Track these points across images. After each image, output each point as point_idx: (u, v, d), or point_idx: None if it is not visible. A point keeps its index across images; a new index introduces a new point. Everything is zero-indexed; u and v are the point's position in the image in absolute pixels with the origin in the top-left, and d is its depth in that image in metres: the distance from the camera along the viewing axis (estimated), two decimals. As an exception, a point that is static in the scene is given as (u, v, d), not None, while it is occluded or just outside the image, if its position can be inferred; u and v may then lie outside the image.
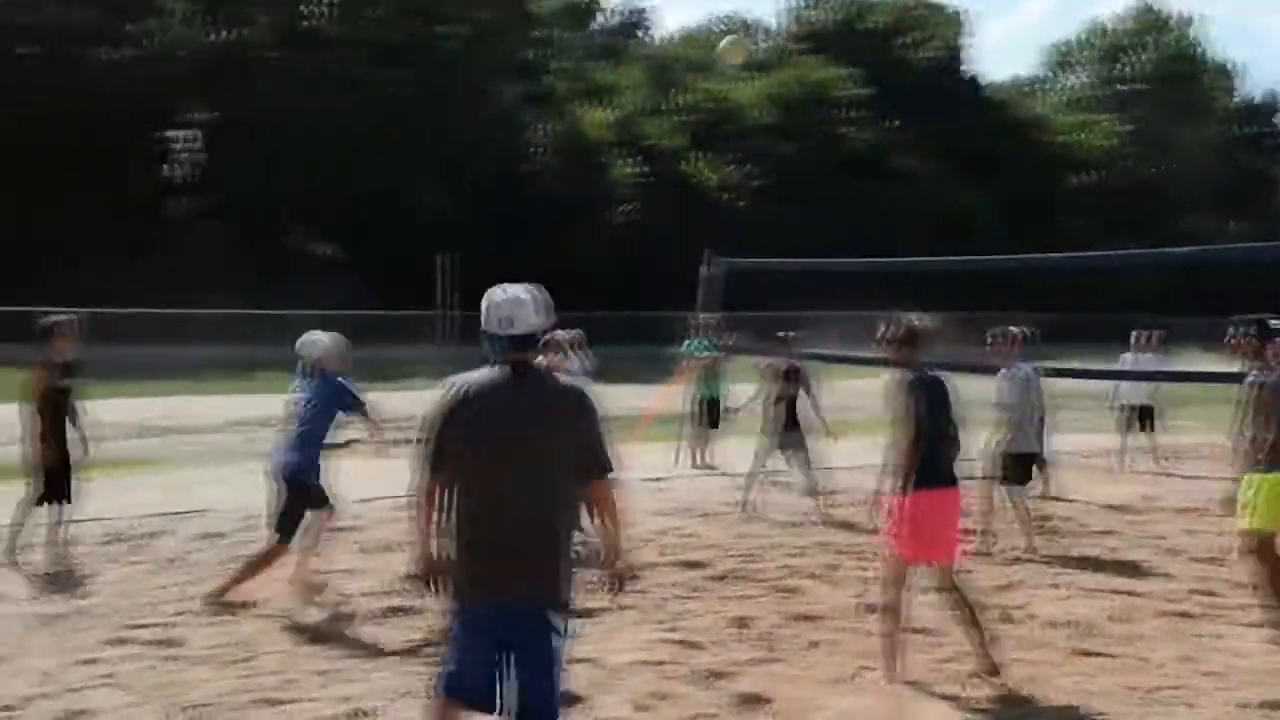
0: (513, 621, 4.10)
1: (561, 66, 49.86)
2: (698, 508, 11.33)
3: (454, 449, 4.19)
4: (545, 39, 49.82)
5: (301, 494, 7.59)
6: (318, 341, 7.85)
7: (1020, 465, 9.67)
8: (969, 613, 6.21)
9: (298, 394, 7.81)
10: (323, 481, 7.77)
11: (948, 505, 6.18)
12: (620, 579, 4.38)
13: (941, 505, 6.13)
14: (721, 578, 8.37)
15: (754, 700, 5.77)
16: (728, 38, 10.95)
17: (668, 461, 14.16)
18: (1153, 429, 14.64)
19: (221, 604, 7.38)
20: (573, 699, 5.65)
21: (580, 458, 4.16)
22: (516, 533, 4.10)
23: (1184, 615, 7.50)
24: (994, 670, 6.11)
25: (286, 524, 7.55)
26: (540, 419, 4.13)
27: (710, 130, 51.60)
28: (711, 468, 14.03)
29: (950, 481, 6.21)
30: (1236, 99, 77.74)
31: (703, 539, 9.80)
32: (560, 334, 10.46)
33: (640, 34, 66.20)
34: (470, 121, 41.94)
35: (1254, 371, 7.20)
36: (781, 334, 11.73)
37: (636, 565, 8.12)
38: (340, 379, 7.84)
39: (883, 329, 6.40)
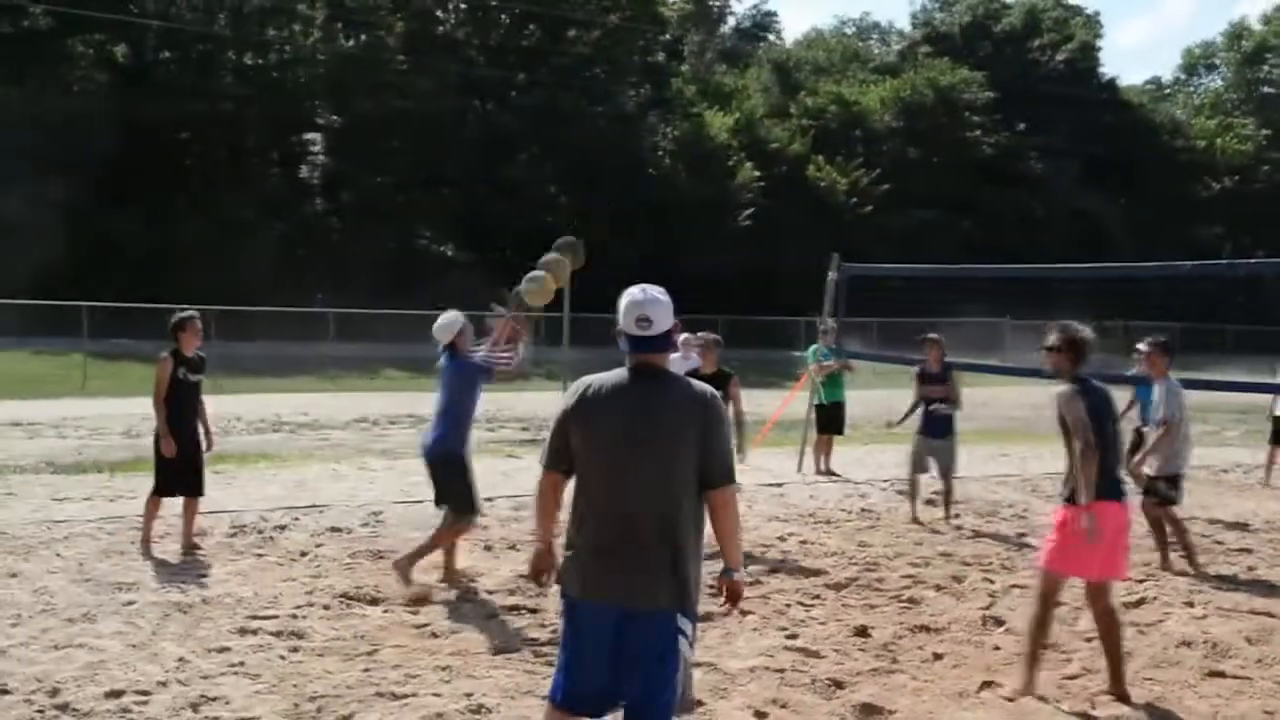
0: (625, 623, 4.10)
1: (686, 70, 49.96)
2: (819, 514, 11.23)
3: (576, 446, 4.21)
4: (673, 42, 49.96)
5: (457, 467, 7.79)
6: (447, 324, 8.01)
7: (1175, 483, 9.35)
8: (1115, 633, 6.05)
9: (441, 376, 8.00)
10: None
11: (1118, 518, 6.03)
12: (736, 591, 4.28)
13: (1113, 518, 5.99)
14: (843, 586, 8.26)
15: (874, 711, 5.69)
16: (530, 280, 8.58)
17: (789, 467, 14.06)
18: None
19: (405, 576, 7.67)
20: (690, 704, 5.63)
21: (702, 463, 4.10)
22: (633, 533, 4.08)
23: (1326, 639, 7.20)
24: (1125, 696, 5.95)
25: (461, 500, 7.80)
26: (664, 421, 4.10)
27: (835, 134, 51.27)
28: (833, 474, 13.89)
29: (1119, 495, 6.06)
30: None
31: (824, 546, 9.70)
32: (690, 337, 10.44)
33: (767, 36, 66.09)
34: (595, 124, 42.28)
35: None
36: (921, 336, 11.59)
37: (752, 575, 8.22)
38: (473, 358, 8.06)
39: (1048, 337, 6.24)
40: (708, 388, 4.30)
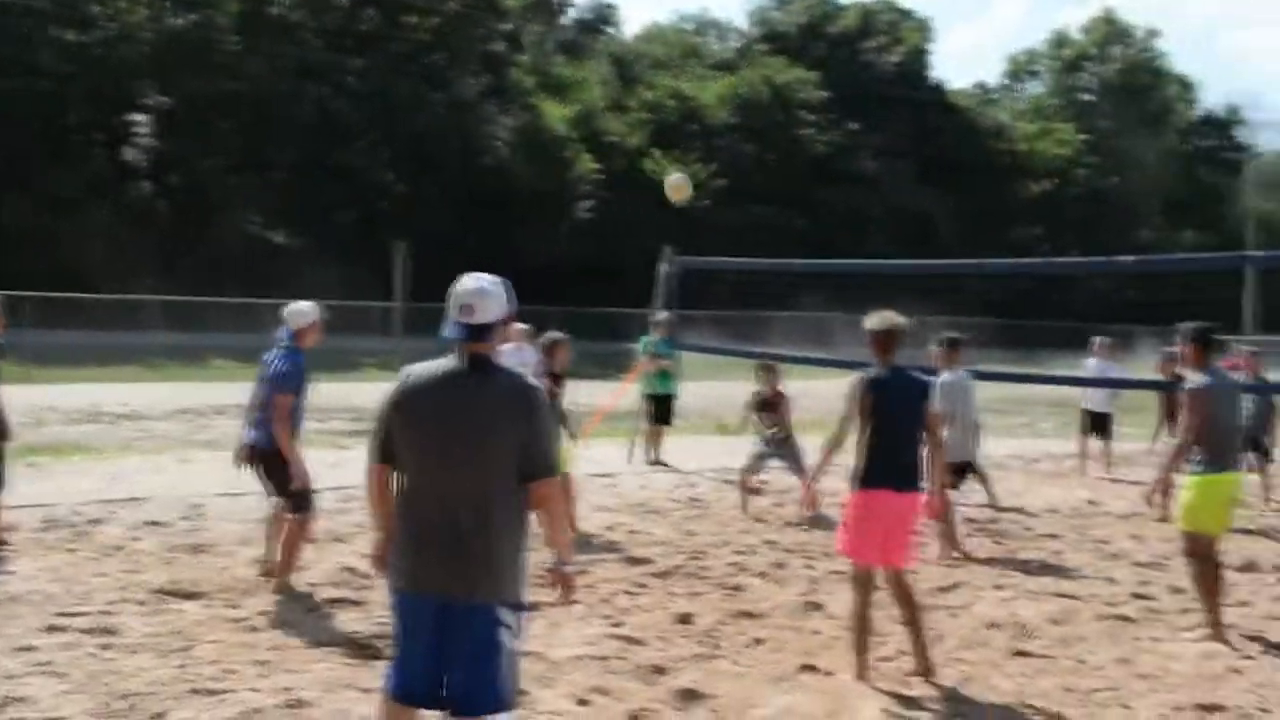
0: (453, 613, 4.10)
1: (526, 60, 49.75)
2: (648, 504, 11.34)
3: (400, 438, 4.18)
4: (512, 32, 49.68)
5: (280, 462, 7.38)
6: (302, 312, 7.56)
7: (951, 472, 9.71)
8: (911, 613, 6.25)
9: (269, 364, 7.49)
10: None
11: (892, 506, 6.16)
12: (565, 582, 4.32)
13: (885, 505, 6.14)
14: (668, 574, 8.38)
15: (694, 696, 5.79)
16: (675, 177, 11.64)
17: (620, 457, 14.16)
18: (1108, 436, 14.76)
19: (287, 589, 7.38)
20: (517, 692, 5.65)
21: (523, 456, 4.11)
22: (455, 525, 4.08)
23: (1123, 619, 7.58)
24: (929, 670, 6.18)
25: (295, 496, 7.41)
26: (486, 412, 4.10)
27: (673, 128, 51.65)
28: (663, 464, 14.05)
29: (901, 484, 6.16)
30: (1195, 112, 78.76)
31: (651, 535, 9.81)
32: (517, 327, 10.48)
33: (605, 30, 66.19)
34: (432, 112, 41.82)
35: (1187, 377, 7.42)
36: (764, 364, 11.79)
37: (579, 565, 8.26)
38: (299, 358, 7.47)
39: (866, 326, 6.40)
40: (531, 380, 4.31)
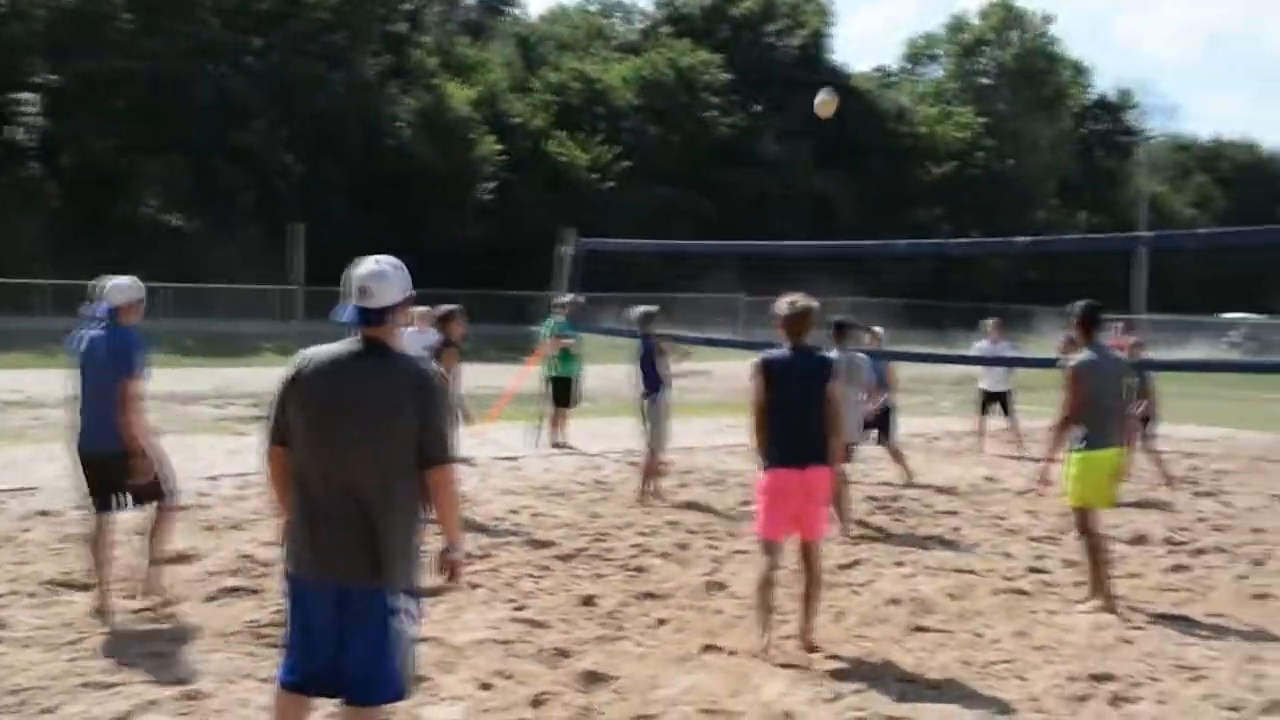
0: (346, 600, 4.05)
1: (428, 41, 49.17)
2: (552, 486, 11.32)
3: (295, 422, 4.11)
4: (414, 11, 49.07)
5: (121, 458, 6.56)
6: (124, 287, 6.77)
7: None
8: (813, 587, 6.39)
9: (84, 347, 6.74)
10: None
11: (790, 483, 6.25)
12: (453, 568, 4.26)
13: (785, 482, 6.25)
14: (572, 556, 8.37)
15: (597, 678, 5.79)
16: (824, 93, 11.97)
17: (524, 440, 14.12)
18: (1008, 413, 15.04)
19: (165, 602, 6.82)
20: (415, 679, 5.59)
21: (420, 441, 4.06)
22: (351, 510, 4.03)
23: (1019, 592, 7.74)
24: (811, 646, 6.32)
25: (155, 487, 6.76)
26: (378, 396, 4.05)
27: (577, 110, 51.49)
28: (567, 447, 14.03)
29: (797, 460, 6.24)
30: (1089, 96, 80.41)
31: (555, 518, 9.79)
32: (418, 309, 10.41)
33: (510, 10, 65.74)
34: (332, 92, 41.20)
35: (1071, 355, 7.65)
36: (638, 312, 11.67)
37: (483, 549, 8.24)
38: (134, 335, 6.69)
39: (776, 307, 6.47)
40: (429, 364, 4.28)
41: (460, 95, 46.29)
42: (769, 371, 6.29)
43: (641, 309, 11.25)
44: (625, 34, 66.29)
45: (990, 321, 15.39)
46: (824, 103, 12.60)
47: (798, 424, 6.26)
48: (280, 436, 4.17)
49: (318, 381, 4.09)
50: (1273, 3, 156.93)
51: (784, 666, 6.05)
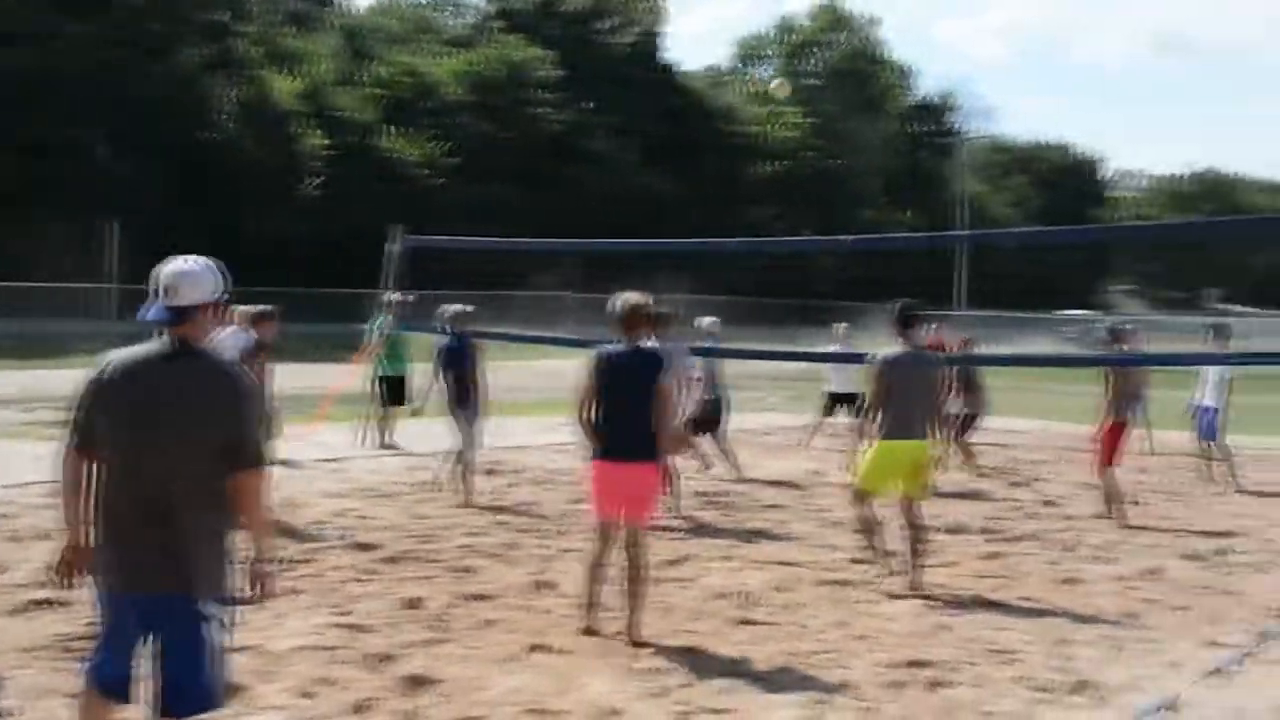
0: (154, 609, 3.92)
1: (251, 31, 47.86)
2: (377, 488, 11.12)
3: (100, 425, 3.94)
4: (236, 1, 47.72)
5: None
6: None
7: None
8: (638, 572, 6.45)
9: None
10: None
11: (632, 477, 6.38)
12: (264, 580, 4.14)
13: (625, 477, 6.38)
14: (397, 559, 8.22)
15: (421, 681, 5.68)
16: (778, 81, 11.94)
17: (349, 441, 13.85)
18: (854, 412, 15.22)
19: None
20: (232, 688, 5.41)
21: (228, 445, 3.94)
22: (158, 517, 3.89)
23: (842, 583, 7.88)
24: (636, 637, 6.37)
25: None
26: (190, 399, 3.92)
27: (407, 105, 50.83)
28: (394, 447, 13.79)
29: (635, 456, 6.35)
30: (912, 98, 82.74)
31: (381, 519, 9.61)
32: (240, 309, 10.09)
33: (336, 2, 64.49)
34: (151, 83, 39.78)
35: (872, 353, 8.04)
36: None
37: (305, 553, 8.03)
38: None
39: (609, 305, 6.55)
40: (238, 367, 4.17)
41: (285, 87, 45.25)
42: (601, 365, 6.40)
43: (454, 307, 11.01)
44: (455, 28, 65.66)
45: (842, 326, 15.52)
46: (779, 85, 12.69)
47: (626, 419, 6.35)
48: (80, 440, 3.99)
49: (123, 384, 3.93)
50: (1086, 11, 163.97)
51: (610, 664, 6.03)
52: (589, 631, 6.43)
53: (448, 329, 10.94)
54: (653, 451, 6.43)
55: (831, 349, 15.58)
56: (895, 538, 7.96)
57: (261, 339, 9.35)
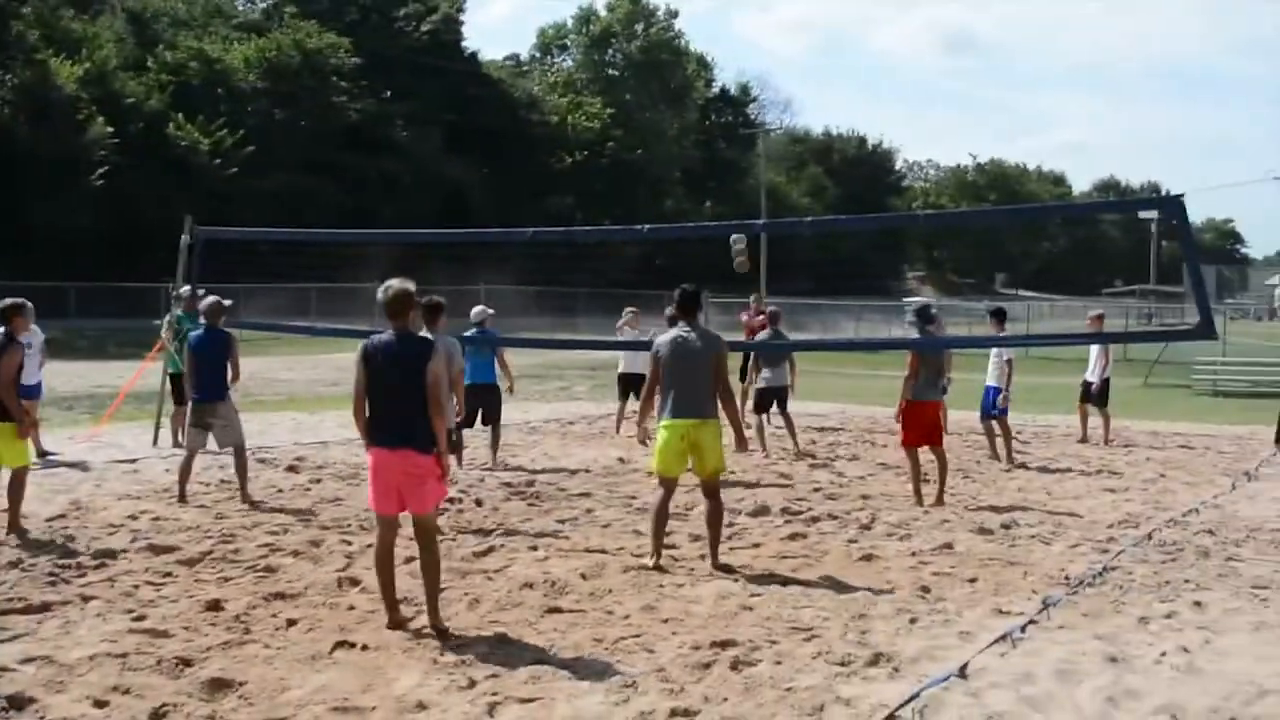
0: None
1: (28, 13, 45.47)
2: (174, 488, 10.74)
3: None
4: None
5: None
6: None
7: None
8: (429, 559, 6.49)
9: None
10: None
11: (399, 463, 6.38)
12: None
13: (393, 463, 6.38)
14: (196, 561, 7.98)
15: (223, 684, 5.54)
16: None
17: (145, 441, 13.37)
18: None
19: None
20: (21, 701, 5.21)
21: None
22: None
23: (649, 569, 7.98)
24: (437, 624, 6.41)
25: None
26: None
27: (197, 91, 49.20)
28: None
29: (404, 443, 6.35)
30: (712, 90, 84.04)
31: (179, 521, 9.31)
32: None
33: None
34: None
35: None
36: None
37: (97, 559, 7.74)
38: None
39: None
40: None
41: (66, 72, 43.20)
42: (369, 355, 6.42)
43: (211, 299, 10.62)
44: (246, 13, 63.88)
45: (628, 310, 15.81)
46: (740, 253, 13.03)
47: (395, 406, 6.38)
48: None
49: None
50: (879, 5, 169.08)
51: (418, 658, 5.99)
52: (395, 626, 6.41)
53: (201, 322, 10.63)
54: (426, 439, 6.39)
55: (621, 332, 15.80)
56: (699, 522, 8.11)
57: (12, 334, 8.89)
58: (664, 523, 8.19)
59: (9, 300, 9.09)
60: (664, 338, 8.15)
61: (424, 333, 9.10)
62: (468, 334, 12.21)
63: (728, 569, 7.96)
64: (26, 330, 9.21)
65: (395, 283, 6.49)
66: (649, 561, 8.02)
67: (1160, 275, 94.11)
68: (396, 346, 6.41)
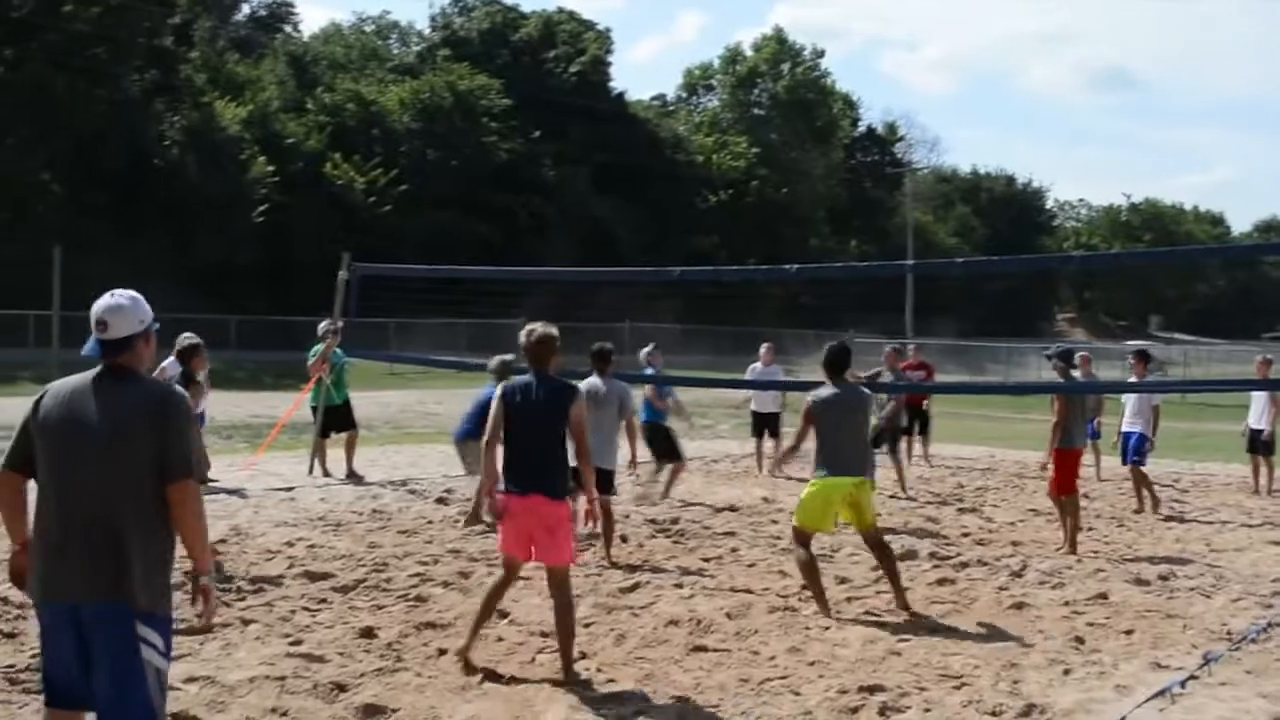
0: (87, 622, 4.04)
1: (196, 57, 47.47)
2: (329, 517, 11.04)
3: (36, 447, 4.15)
4: (182, 26, 47.27)
5: None
6: None
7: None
8: (560, 616, 6.38)
9: None
10: None
11: (534, 510, 6.27)
12: (204, 594, 4.23)
13: (528, 509, 6.29)
14: (350, 588, 8.17)
15: (377, 710, 5.66)
16: None
17: (300, 470, 13.74)
18: (777, 435, 15.38)
19: None
20: (184, 720, 5.38)
21: (159, 459, 4.08)
22: (86, 534, 4.04)
23: (794, 610, 7.92)
24: (568, 672, 6.30)
25: None
26: (115, 420, 4.08)
27: (353, 132, 50.67)
28: (355, 475, 13.59)
29: (534, 489, 6.26)
30: (858, 128, 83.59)
31: (333, 549, 9.55)
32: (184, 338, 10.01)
33: (283, 28, 64.31)
34: (95, 108, 39.33)
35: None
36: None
37: (256, 583, 7.98)
38: None
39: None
40: (170, 387, 4.46)
41: (230, 114, 44.95)
42: (508, 398, 6.38)
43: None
44: (401, 56, 65.70)
45: (764, 346, 15.81)
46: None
47: (529, 451, 6.32)
48: (14, 461, 4.21)
49: (56, 408, 4.14)
50: (1028, 43, 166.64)
51: (566, 692, 6.04)
52: (462, 654, 6.40)
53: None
54: (558, 486, 6.33)
55: (755, 366, 15.80)
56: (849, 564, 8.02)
57: (192, 374, 9.28)
58: (817, 572, 8.12)
59: (188, 341, 9.47)
60: (819, 395, 8.11)
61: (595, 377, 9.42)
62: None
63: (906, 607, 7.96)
64: (204, 368, 9.56)
65: (539, 327, 6.51)
66: (821, 612, 7.86)
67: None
68: (536, 389, 6.36)
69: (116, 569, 4.02)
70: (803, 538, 8.07)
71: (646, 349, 12.79)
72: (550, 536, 6.30)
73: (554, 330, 6.56)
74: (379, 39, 68.82)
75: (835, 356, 8.24)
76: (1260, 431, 14.72)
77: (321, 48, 62.28)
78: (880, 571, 8.41)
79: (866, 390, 8.59)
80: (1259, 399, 14.89)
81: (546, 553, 6.34)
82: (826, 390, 8.11)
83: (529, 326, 6.55)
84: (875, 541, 8.17)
